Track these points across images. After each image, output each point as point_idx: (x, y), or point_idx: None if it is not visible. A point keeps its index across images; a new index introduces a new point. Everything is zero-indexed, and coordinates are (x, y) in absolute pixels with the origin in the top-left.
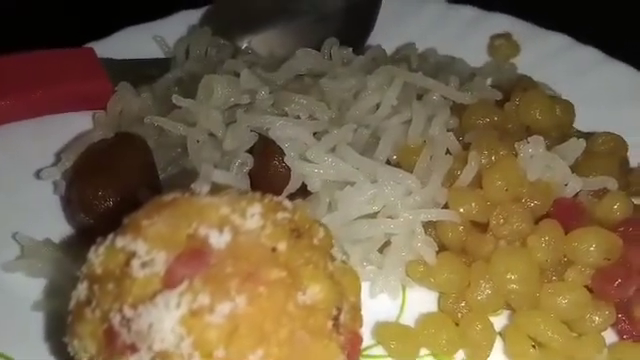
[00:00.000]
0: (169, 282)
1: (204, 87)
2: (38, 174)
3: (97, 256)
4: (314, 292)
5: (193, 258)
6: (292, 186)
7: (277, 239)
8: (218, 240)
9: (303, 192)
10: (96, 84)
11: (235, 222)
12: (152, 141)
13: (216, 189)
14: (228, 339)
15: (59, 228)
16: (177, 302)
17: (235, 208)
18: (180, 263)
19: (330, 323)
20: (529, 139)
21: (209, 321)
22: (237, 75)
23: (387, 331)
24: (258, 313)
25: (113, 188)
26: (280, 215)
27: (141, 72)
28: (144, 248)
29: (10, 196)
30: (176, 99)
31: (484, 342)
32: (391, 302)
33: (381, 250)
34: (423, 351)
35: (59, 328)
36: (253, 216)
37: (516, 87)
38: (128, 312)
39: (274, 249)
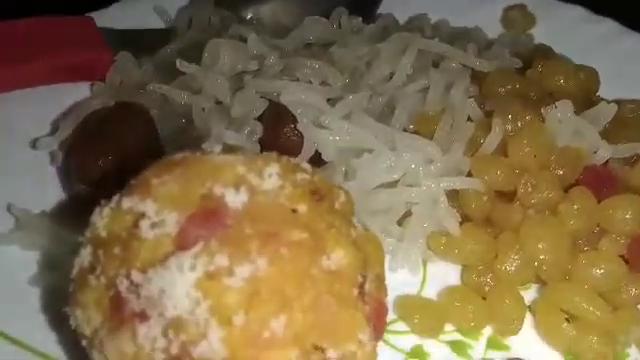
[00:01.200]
0: (182, 243)
1: (209, 52)
2: (34, 144)
3: (101, 218)
4: (338, 257)
5: (208, 218)
6: (305, 154)
7: (297, 200)
8: (234, 200)
9: (315, 162)
10: (95, 53)
11: (252, 182)
12: (154, 112)
13: (228, 150)
14: (248, 304)
15: (55, 200)
16: (192, 264)
17: (251, 167)
18: (194, 223)
19: (356, 291)
20: (557, 103)
21: (227, 284)
22: (244, 41)
23: (411, 305)
24: (280, 276)
25: (113, 157)
26: (299, 176)
27: (141, 42)
28: (153, 208)
29: (5, 167)
30: (181, 64)
31: (515, 316)
32: (411, 276)
33: (400, 222)
34: (448, 327)
35: (57, 302)
36: (271, 176)
37: (536, 55)
38: (137, 277)
39: (294, 210)
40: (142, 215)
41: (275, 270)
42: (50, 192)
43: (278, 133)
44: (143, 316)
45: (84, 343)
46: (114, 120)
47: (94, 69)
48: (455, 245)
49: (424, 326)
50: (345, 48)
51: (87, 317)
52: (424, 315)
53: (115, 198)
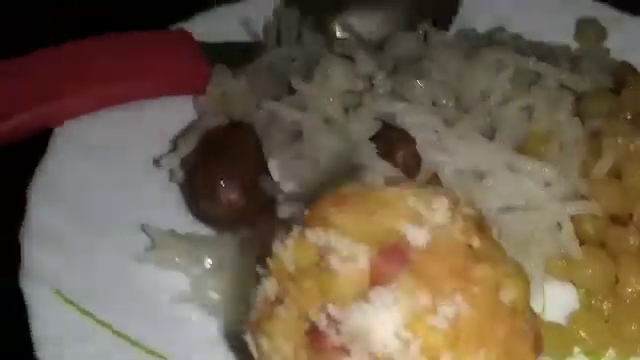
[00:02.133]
0: (376, 280)
1: (322, 70)
2: (157, 162)
3: (285, 250)
4: (511, 291)
5: (394, 254)
6: (422, 177)
7: (470, 235)
8: (414, 235)
9: None
10: (195, 66)
11: (427, 216)
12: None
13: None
14: (453, 342)
15: (179, 217)
16: (394, 301)
17: (422, 200)
18: (382, 259)
19: (526, 325)
20: None
21: (433, 324)
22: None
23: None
24: (476, 313)
25: (237, 176)
26: (464, 209)
27: (230, 56)
28: (340, 243)
29: (128, 184)
30: (295, 83)
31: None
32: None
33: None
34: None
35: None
36: (441, 209)
37: (625, 72)
38: (334, 312)
39: (470, 246)
40: (329, 249)
41: (471, 308)
42: (173, 210)
43: (393, 156)
44: (344, 350)
45: None
46: (230, 140)
47: (193, 82)
48: (577, 268)
49: (556, 349)
50: (436, 64)
51: (275, 346)
52: (556, 339)
53: (296, 230)
